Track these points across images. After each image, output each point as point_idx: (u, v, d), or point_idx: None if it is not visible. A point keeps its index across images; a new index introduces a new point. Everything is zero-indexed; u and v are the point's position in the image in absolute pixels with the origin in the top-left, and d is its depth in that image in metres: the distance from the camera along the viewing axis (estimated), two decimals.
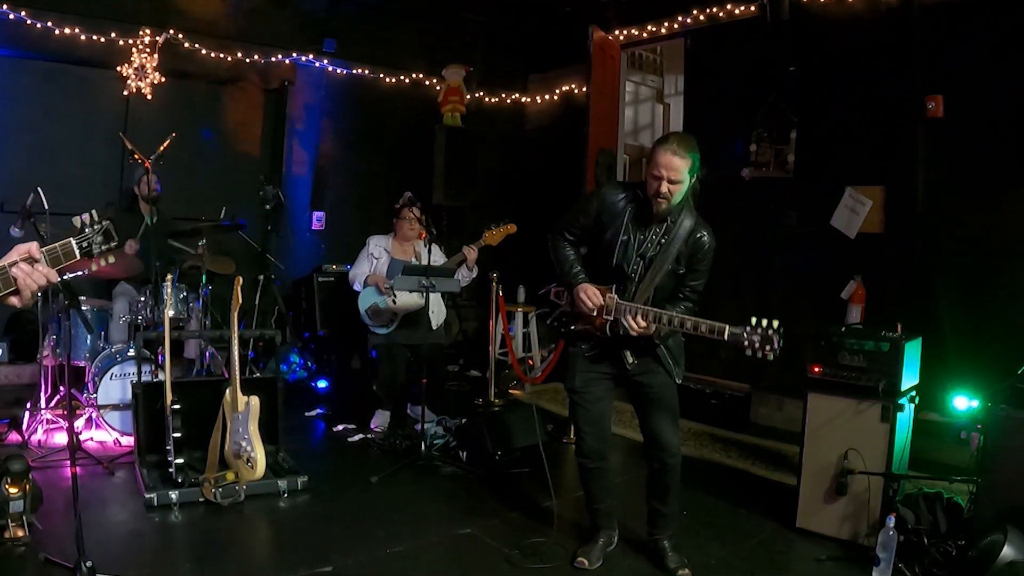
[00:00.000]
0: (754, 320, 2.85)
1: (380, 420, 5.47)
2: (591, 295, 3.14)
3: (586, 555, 3.36)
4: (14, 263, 1.90)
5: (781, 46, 5.77)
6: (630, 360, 3.20)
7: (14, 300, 1.93)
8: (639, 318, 3.01)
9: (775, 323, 2.81)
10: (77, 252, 2.03)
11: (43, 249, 1.96)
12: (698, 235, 3.13)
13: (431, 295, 4.89)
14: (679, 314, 3.00)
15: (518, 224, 5.36)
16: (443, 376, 5.81)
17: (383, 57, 7.53)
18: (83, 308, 4.67)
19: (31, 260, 1.92)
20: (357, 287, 5.41)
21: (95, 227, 2.07)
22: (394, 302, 5.22)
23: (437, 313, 5.42)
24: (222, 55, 6.54)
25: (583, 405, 3.33)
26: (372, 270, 5.39)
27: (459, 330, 7.95)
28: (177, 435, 3.90)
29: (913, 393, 3.72)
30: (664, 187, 3.00)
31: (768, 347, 2.82)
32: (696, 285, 3.18)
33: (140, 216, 5.44)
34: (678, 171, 2.98)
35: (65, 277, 4.23)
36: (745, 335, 2.85)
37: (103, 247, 2.08)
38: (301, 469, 4.20)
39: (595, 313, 3.13)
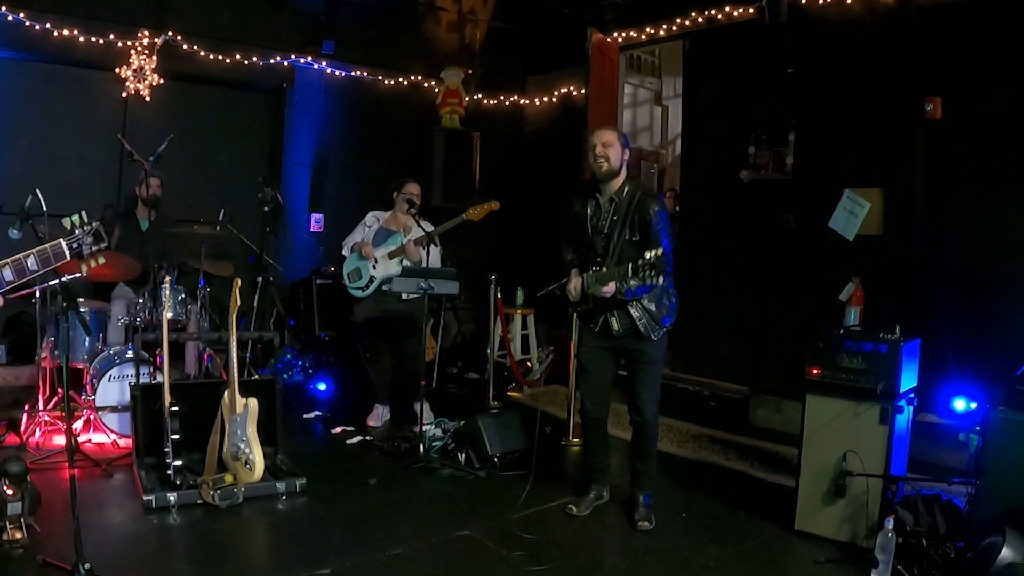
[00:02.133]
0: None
1: (377, 416, 5.53)
2: (572, 287, 3.78)
3: (576, 504, 3.97)
4: None
5: (779, 48, 5.78)
6: (615, 327, 3.74)
7: None
8: (604, 287, 3.61)
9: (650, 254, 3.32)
10: (67, 253, 2.00)
11: (34, 250, 1.94)
12: (640, 200, 3.64)
13: (406, 263, 5.11)
14: (620, 267, 3.53)
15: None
16: (418, 363, 5.42)
17: (382, 59, 7.53)
18: (81, 310, 4.66)
19: None
20: (345, 252, 5.55)
21: (85, 228, 2.03)
22: (374, 267, 5.30)
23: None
24: (220, 57, 6.54)
25: (586, 371, 3.94)
26: (363, 239, 5.49)
27: (457, 332, 7.95)
28: (175, 437, 3.89)
29: (912, 395, 3.72)
30: (600, 148, 3.65)
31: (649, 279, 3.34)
32: (654, 245, 3.49)
33: (136, 219, 5.43)
34: (607, 136, 3.67)
35: (64, 278, 4.22)
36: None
37: (93, 248, 2.05)
38: (299, 471, 4.19)
39: (576, 295, 3.78)
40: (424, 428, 4.76)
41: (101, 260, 2.09)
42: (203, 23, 6.48)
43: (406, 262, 5.17)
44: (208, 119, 6.76)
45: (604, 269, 3.65)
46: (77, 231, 2.02)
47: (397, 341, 5.50)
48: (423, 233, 5.04)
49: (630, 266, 3.38)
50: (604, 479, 4.08)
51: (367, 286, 5.36)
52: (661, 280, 3.31)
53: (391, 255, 5.28)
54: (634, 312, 3.69)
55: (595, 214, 3.77)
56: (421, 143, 7.65)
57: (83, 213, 2.04)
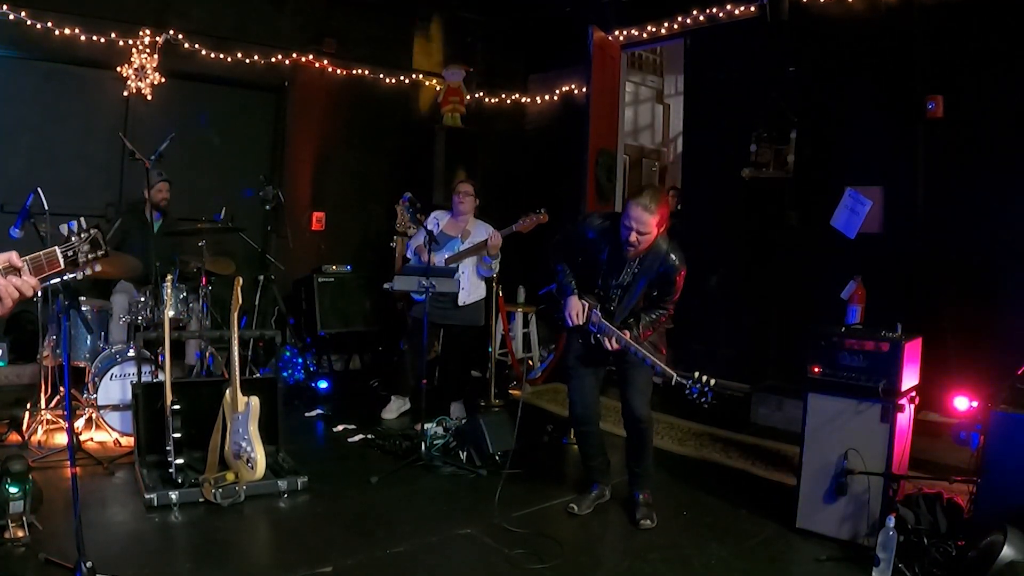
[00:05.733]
0: (696, 374, 3.41)
1: (395, 409, 5.60)
2: (575, 312, 3.73)
3: (577, 503, 3.98)
4: None
5: (781, 46, 5.77)
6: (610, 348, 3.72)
7: None
8: (613, 341, 3.60)
9: (712, 381, 3.38)
10: (61, 261, 1.97)
11: (26, 258, 1.91)
12: (668, 260, 3.63)
13: (465, 273, 5.23)
14: (645, 351, 3.56)
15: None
16: (463, 362, 5.77)
17: (383, 57, 7.54)
18: (83, 308, 4.67)
19: (12, 269, 1.87)
20: (409, 254, 5.65)
21: (82, 235, 2.01)
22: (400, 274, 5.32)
23: (467, 290, 5.36)
24: (222, 55, 6.54)
25: (574, 379, 3.97)
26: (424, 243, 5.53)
27: None
28: (177, 435, 3.89)
29: (913, 393, 3.72)
30: (634, 237, 3.53)
31: (703, 400, 3.40)
32: (668, 299, 3.71)
33: (145, 221, 5.42)
34: (646, 224, 3.50)
35: (66, 277, 4.22)
36: (687, 384, 3.42)
37: (89, 256, 2.02)
38: (301, 469, 4.19)
39: (580, 322, 3.73)
40: (425, 426, 4.76)
41: (98, 268, 2.06)
42: (204, 22, 6.48)
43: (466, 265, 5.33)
44: (209, 117, 6.76)
45: (614, 314, 3.69)
46: (73, 238, 2.00)
47: (448, 344, 5.60)
48: (486, 235, 5.26)
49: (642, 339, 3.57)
50: (605, 478, 4.10)
51: (426, 291, 5.36)
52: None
53: (448, 261, 5.29)
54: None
55: (615, 265, 3.69)
56: (423, 141, 7.65)
57: (81, 220, 2.02)
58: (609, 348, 3.62)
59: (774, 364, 5.97)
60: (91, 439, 4.63)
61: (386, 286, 5.53)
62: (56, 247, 1.97)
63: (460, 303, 5.34)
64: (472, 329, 5.62)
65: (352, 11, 7.29)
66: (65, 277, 4.11)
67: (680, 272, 3.64)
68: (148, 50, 6.15)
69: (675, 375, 3.44)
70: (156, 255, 4.84)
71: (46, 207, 4.00)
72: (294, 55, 6.97)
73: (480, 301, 5.55)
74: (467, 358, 5.85)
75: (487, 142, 7.97)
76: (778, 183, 5.89)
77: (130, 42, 6.09)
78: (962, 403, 4.13)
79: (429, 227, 5.48)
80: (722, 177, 6.28)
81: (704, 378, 3.38)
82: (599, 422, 4.05)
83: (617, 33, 7.08)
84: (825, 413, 3.68)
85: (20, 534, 3.22)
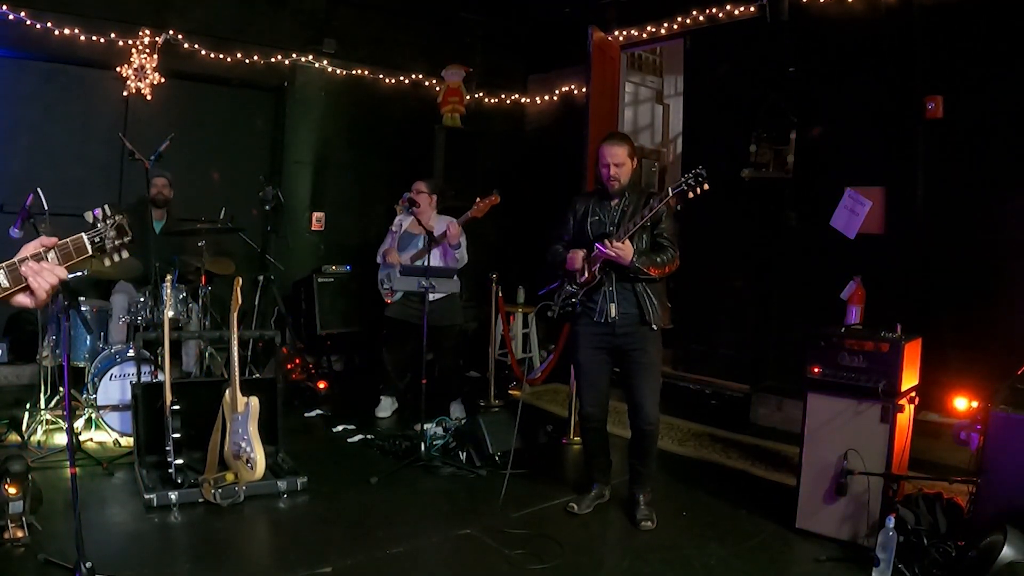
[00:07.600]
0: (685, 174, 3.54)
1: (386, 408, 5.64)
2: (577, 254, 3.85)
3: (577, 502, 3.99)
4: (24, 260, 1.81)
5: (781, 47, 5.77)
6: (613, 313, 3.75)
7: (26, 300, 1.83)
8: (616, 242, 3.63)
9: (699, 167, 3.51)
10: (89, 247, 1.93)
11: (55, 246, 1.88)
12: (649, 194, 3.79)
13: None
14: (640, 217, 3.64)
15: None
16: (451, 362, 5.79)
17: (383, 57, 7.53)
18: (82, 308, 4.67)
19: (39, 257, 1.83)
20: (379, 260, 5.72)
21: (108, 221, 1.97)
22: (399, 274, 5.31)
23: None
24: (222, 55, 6.54)
25: (585, 376, 3.95)
26: (390, 245, 5.65)
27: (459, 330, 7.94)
28: (176, 436, 3.89)
29: (913, 394, 3.72)
30: (613, 171, 3.78)
31: (700, 180, 3.50)
32: (665, 232, 3.78)
33: (146, 221, 5.40)
34: (619, 156, 3.78)
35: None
36: (684, 184, 3.53)
37: (116, 242, 1.98)
38: (300, 470, 4.19)
39: (585, 268, 3.80)
40: (425, 426, 4.76)
41: (125, 254, 2.03)
42: (204, 22, 6.47)
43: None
44: (209, 118, 6.76)
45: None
46: (99, 224, 1.96)
47: (433, 344, 5.57)
48: (443, 227, 5.23)
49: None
50: (605, 478, 4.10)
51: (394, 292, 5.46)
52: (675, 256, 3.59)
53: (413, 258, 5.32)
54: (639, 292, 3.73)
55: (603, 209, 3.85)
56: (422, 142, 7.65)
57: (106, 207, 1.98)
58: (618, 259, 3.60)
59: (774, 364, 5.97)
60: (91, 439, 4.63)
61: (385, 286, 5.56)
62: (83, 233, 1.92)
63: (431, 298, 5.33)
64: (453, 327, 5.62)
65: (352, 11, 7.29)
66: (77, 273, 4.12)
67: (665, 200, 3.65)
68: (148, 50, 6.15)
69: (669, 188, 3.57)
70: (156, 255, 4.84)
71: (46, 207, 4.01)
72: (294, 55, 6.96)
73: (455, 295, 5.54)
74: (457, 356, 5.85)
75: (487, 142, 7.96)
76: (778, 183, 5.89)
77: (130, 42, 6.09)
78: (962, 403, 4.13)
79: (394, 230, 5.65)
80: (722, 177, 6.25)
81: (693, 171, 3.48)
82: (607, 420, 4.05)
83: (617, 33, 7.08)
84: (825, 413, 3.68)
85: (20, 534, 3.21)
